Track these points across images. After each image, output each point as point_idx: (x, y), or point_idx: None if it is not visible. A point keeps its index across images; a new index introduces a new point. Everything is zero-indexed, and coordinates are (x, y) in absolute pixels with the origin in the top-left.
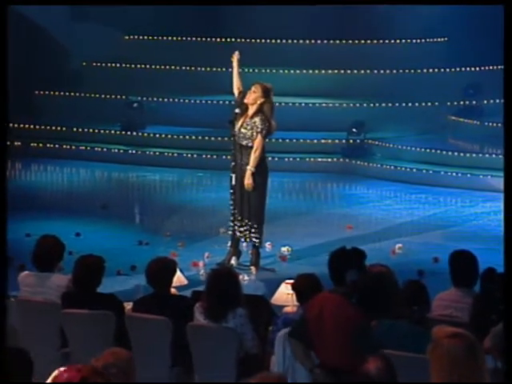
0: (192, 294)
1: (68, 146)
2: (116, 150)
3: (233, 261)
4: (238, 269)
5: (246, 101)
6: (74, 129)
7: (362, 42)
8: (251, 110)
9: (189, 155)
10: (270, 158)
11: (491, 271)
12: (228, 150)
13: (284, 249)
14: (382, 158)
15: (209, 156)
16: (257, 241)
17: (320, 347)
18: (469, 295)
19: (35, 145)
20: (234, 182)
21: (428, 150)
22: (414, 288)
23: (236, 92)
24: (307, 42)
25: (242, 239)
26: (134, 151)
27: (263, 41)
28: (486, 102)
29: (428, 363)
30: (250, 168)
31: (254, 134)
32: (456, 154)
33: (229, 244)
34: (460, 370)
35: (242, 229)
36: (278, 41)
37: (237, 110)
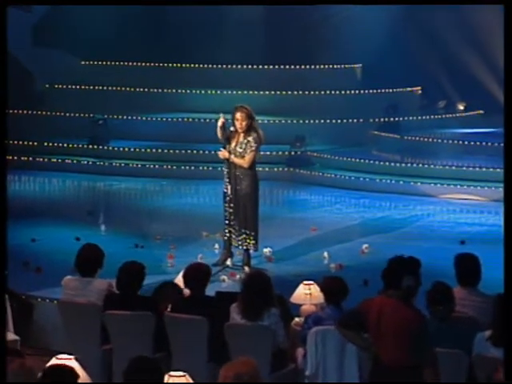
0: (216, 294)
1: (40, 159)
2: (85, 162)
3: (228, 262)
4: (233, 269)
5: (239, 130)
6: (45, 143)
7: (297, 67)
8: (243, 131)
9: (151, 166)
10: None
11: None
12: (188, 161)
13: (266, 250)
14: (321, 167)
15: (169, 166)
16: (254, 247)
17: (380, 348)
18: (473, 293)
19: (10, 157)
20: (229, 192)
21: (363, 161)
22: (442, 289)
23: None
24: (258, 67)
25: (240, 247)
26: (101, 163)
27: (217, 66)
28: (401, 119)
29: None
30: (237, 159)
31: (248, 151)
32: (387, 163)
33: (216, 246)
34: None
35: (239, 237)
36: (230, 66)
37: (232, 128)
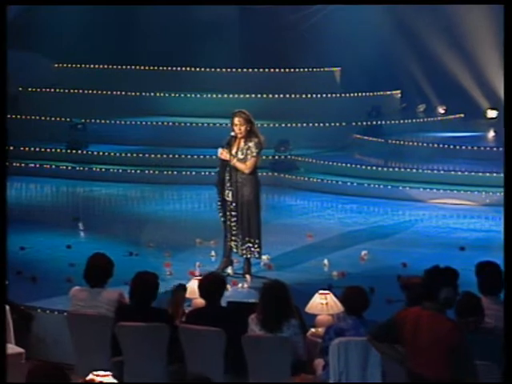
0: (228, 304)
1: (17, 164)
2: (64, 167)
3: (229, 270)
4: (234, 277)
5: (239, 136)
6: (22, 148)
7: (276, 70)
8: (243, 136)
9: (132, 171)
10: (207, 173)
11: None
12: (169, 166)
13: (264, 257)
14: (306, 172)
15: (151, 171)
16: (258, 255)
17: (416, 361)
18: (495, 302)
19: None
20: (231, 199)
21: (349, 165)
22: (472, 299)
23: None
24: (238, 70)
25: (244, 256)
26: (80, 168)
27: (197, 69)
28: (383, 122)
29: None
30: (238, 163)
31: (249, 157)
32: (373, 168)
33: (213, 253)
34: None
35: (243, 246)
36: (210, 69)
37: (232, 133)
